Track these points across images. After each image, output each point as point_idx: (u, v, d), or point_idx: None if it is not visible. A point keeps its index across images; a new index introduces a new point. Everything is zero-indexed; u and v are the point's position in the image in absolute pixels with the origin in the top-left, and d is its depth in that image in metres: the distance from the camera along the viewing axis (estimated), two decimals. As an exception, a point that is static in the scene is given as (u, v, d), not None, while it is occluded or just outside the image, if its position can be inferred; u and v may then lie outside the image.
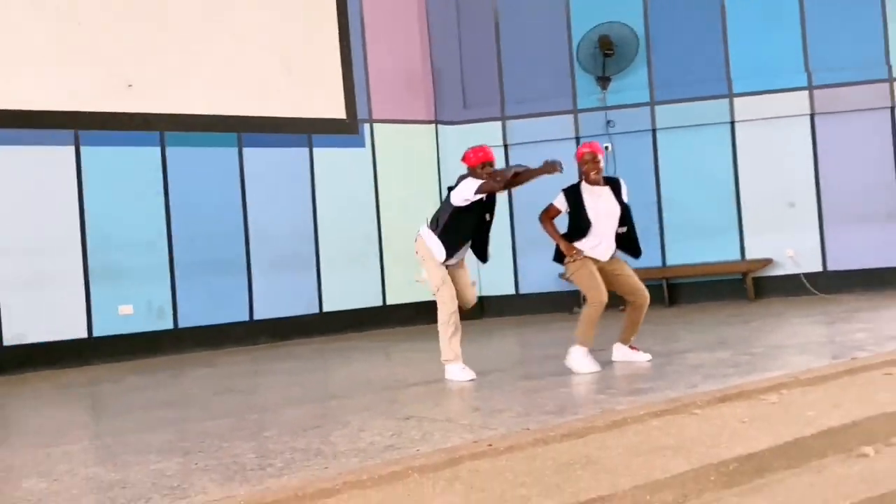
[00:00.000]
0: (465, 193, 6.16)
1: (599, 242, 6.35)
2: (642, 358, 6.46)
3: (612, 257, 6.43)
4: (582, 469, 3.79)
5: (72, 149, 9.39)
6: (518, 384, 5.88)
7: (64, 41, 9.37)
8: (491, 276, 11.85)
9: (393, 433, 4.47)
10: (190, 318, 9.89)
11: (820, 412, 4.63)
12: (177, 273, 9.86)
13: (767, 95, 11.45)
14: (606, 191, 6.46)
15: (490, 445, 4.03)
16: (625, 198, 6.49)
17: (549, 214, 6.48)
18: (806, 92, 11.38)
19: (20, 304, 8.91)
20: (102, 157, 9.52)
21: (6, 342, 8.86)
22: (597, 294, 6.20)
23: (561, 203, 6.45)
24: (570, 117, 11.84)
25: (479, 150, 6.37)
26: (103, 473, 4.09)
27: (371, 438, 4.39)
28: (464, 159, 6.41)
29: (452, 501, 3.45)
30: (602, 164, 6.49)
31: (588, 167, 6.43)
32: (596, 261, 6.33)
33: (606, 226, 6.35)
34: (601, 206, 6.39)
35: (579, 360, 6.16)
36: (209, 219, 10.07)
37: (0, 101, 8.93)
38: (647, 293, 6.43)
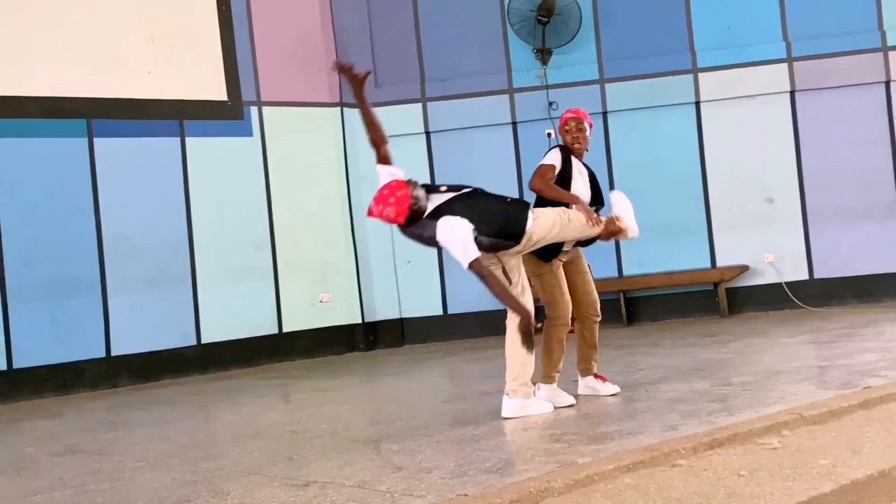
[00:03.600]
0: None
1: None
2: (610, 390, 6.21)
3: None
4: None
5: None
6: (449, 433, 5.50)
7: None
8: (414, 297, 11.54)
9: (281, 510, 4.01)
10: (27, 356, 9.37)
11: (837, 460, 4.32)
12: (9, 299, 9.35)
13: (738, 70, 11.37)
14: (585, 172, 6.26)
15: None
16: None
17: (546, 177, 6.03)
18: (784, 65, 11.30)
19: None
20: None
21: None
22: (565, 308, 5.97)
23: (556, 159, 6.08)
24: (506, 98, 11.63)
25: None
26: None
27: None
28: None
29: None
30: (588, 136, 6.33)
31: (572, 137, 6.24)
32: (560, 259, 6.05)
33: None
34: (580, 186, 6.13)
35: (544, 401, 5.86)
36: (51, 228, 9.61)
37: None
38: (599, 305, 6.25)
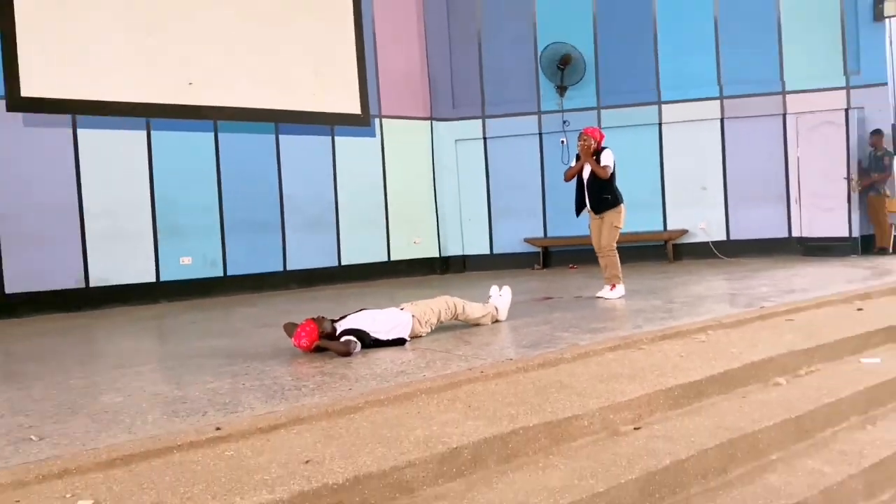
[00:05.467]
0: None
1: None
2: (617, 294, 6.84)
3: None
4: (557, 392, 3.57)
5: (144, 133, 9.02)
6: (498, 324, 5.57)
7: (142, 47, 8.98)
8: (472, 241, 11.68)
9: (402, 361, 4.23)
10: (236, 267, 9.60)
11: (742, 349, 4.45)
12: (226, 232, 9.55)
13: (687, 103, 11.16)
14: (589, 169, 6.77)
15: (482, 372, 3.81)
16: None
17: (568, 171, 6.90)
18: (718, 101, 11.11)
19: (104, 254, 8.62)
20: (168, 140, 9.17)
21: (92, 283, 8.56)
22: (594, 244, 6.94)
23: (575, 160, 6.94)
24: (535, 117, 11.53)
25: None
26: (167, 391, 3.83)
27: (385, 366, 4.15)
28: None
29: (454, 417, 3.22)
30: (582, 144, 6.78)
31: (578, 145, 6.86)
32: None
33: None
34: (585, 175, 6.84)
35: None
36: (252, 190, 9.75)
37: (93, 93, 8.61)
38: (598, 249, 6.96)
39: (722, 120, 11.14)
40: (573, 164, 6.90)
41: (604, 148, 6.67)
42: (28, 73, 8.31)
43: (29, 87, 8.32)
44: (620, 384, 3.69)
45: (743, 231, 11.07)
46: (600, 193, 6.64)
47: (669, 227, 11.28)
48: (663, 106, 11.26)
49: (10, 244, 8.12)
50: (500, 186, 11.62)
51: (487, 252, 11.66)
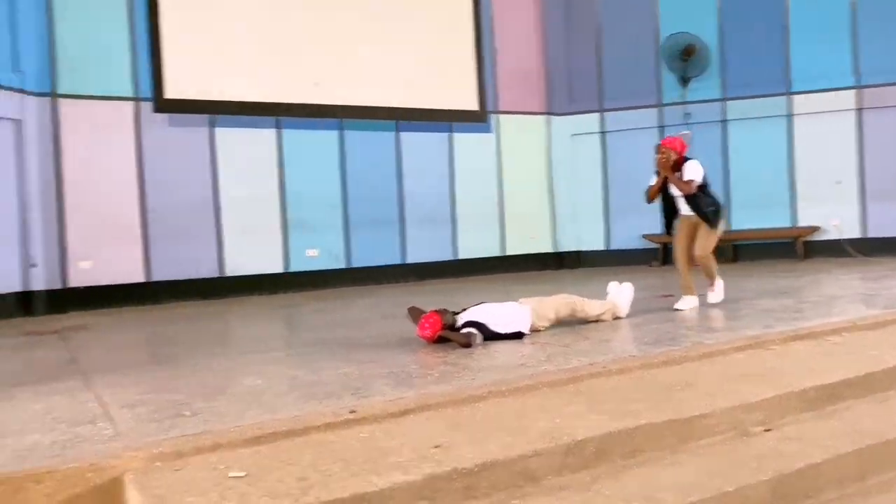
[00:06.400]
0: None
1: None
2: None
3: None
4: (682, 391, 3.52)
5: (275, 132, 9.51)
6: (619, 321, 5.48)
7: (273, 49, 9.47)
8: (586, 237, 11.56)
9: (522, 355, 4.29)
10: (358, 260, 9.96)
11: (882, 352, 4.21)
12: (350, 226, 9.91)
13: (820, 93, 10.59)
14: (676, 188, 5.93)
15: (604, 367, 3.80)
16: None
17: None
18: (854, 91, 10.47)
19: (237, 246, 9.17)
20: (296, 138, 9.62)
21: (226, 273, 9.13)
22: (674, 250, 6.12)
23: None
24: (656, 110, 11.27)
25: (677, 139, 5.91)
26: (303, 375, 4.05)
27: (505, 358, 4.22)
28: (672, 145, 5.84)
29: (578, 410, 3.24)
30: (659, 158, 5.86)
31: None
32: None
33: None
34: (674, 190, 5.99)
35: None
36: (374, 185, 10.08)
37: (228, 94, 9.19)
38: (698, 254, 5.97)
39: (859, 111, 10.49)
40: (653, 181, 5.90)
41: (686, 159, 5.79)
42: (172, 77, 8.95)
43: (172, 90, 8.96)
44: (749, 385, 3.59)
45: (881, 228, 10.40)
46: (702, 209, 5.79)
47: (800, 224, 10.75)
48: (794, 97, 10.73)
49: (156, 235, 8.79)
50: (617, 181, 11.43)
51: (602, 248, 11.52)
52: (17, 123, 8.09)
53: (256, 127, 9.36)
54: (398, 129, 10.31)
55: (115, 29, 8.70)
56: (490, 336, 4.71)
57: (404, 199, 10.32)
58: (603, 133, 11.48)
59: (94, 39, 8.55)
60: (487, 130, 11.06)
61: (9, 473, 2.55)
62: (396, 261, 10.25)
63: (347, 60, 9.96)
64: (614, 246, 11.48)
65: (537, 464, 2.77)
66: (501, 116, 11.15)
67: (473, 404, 3.31)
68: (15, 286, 8.01)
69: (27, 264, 8.12)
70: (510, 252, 11.13)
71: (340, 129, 9.92)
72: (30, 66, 8.23)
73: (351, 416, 3.08)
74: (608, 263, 11.17)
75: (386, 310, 7.00)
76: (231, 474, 2.58)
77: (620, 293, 5.59)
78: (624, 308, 5.53)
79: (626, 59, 11.43)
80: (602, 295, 5.64)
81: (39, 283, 8.18)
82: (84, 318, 7.58)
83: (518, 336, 4.80)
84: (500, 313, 4.88)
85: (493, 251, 11.01)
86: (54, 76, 8.40)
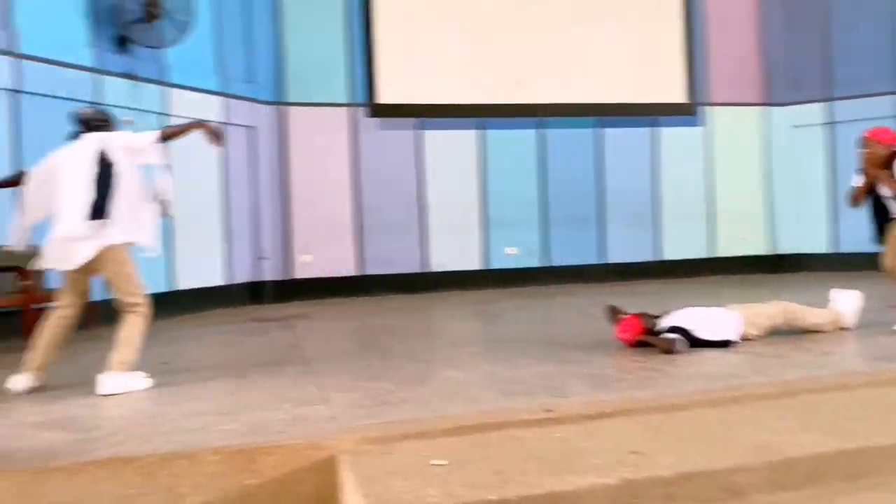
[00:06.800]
0: None
1: None
2: None
3: None
4: (918, 413, 3.18)
5: (477, 132, 9.81)
6: (843, 332, 5.03)
7: (476, 51, 9.76)
8: (807, 236, 10.68)
9: (731, 364, 4.09)
10: (557, 258, 9.98)
11: None
12: (549, 224, 9.96)
13: None
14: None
15: (824, 382, 3.53)
16: None
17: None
18: None
19: (440, 243, 9.59)
20: (497, 138, 9.85)
21: (433, 269, 9.58)
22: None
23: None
24: (892, 97, 10.11)
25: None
26: (501, 371, 4.17)
27: (712, 367, 4.05)
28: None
29: (789, 427, 3.04)
30: (861, 152, 5.01)
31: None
32: None
33: None
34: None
35: None
36: (574, 183, 10.05)
37: (435, 97, 9.61)
38: None
39: None
40: (857, 181, 5.08)
41: None
42: (384, 82, 9.53)
43: (384, 95, 9.54)
44: None
45: None
46: None
47: None
48: None
49: (369, 232, 9.44)
50: (846, 176, 10.37)
51: (828, 251, 10.57)
52: (252, 130, 9.03)
53: (460, 128, 9.71)
54: (600, 126, 10.18)
55: (334, 41, 9.44)
56: (695, 343, 4.54)
57: (605, 197, 10.17)
58: (830, 124, 10.52)
59: (317, 51, 9.34)
60: (697, 124, 10.58)
61: (243, 444, 2.89)
62: (596, 260, 10.13)
63: (549, 57, 9.99)
64: (843, 249, 10.48)
65: (742, 479, 2.65)
66: (712, 108, 10.62)
67: (674, 412, 3.22)
68: (247, 277, 8.95)
69: (258, 258, 9.06)
70: (720, 253, 10.57)
71: (540, 127, 9.99)
72: (263, 78, 9.16)
73: (547, 416, 3.13)
74: (833, 268, 10.20)
75: (584, 309, 6.95)
76: (433, 462, 2.73)
77: (846, 302, 5.12)
78: (850, 319, 5.06)
79: (857, 43, 10.38)
80: (823, 303, 5.21)
81: (268, 274, 9.09)
82: (305, 308, 8.30)
83: (726, 344, 4.58)
84: (707, 319, 4.69)
85: (701, 252, 10.52)
86: (283, 86, 9.28)
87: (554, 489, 2.45)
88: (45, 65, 6.72)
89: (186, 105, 7.93)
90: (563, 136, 10.05)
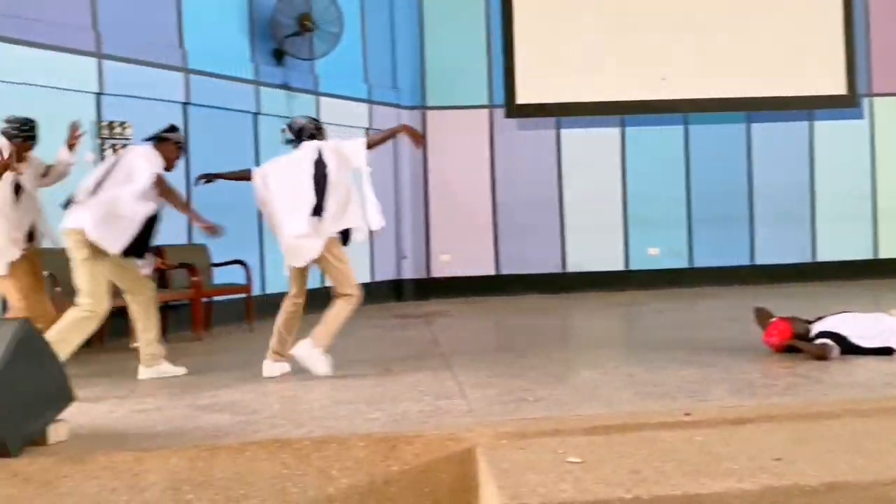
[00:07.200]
0: None
1: None
2: None
3: None
4: None
5: (618, 130, 9.71)
6: None
7: (616, 48, 9.64)
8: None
9: (890, 373, 3.87)
10: (702, 259, 9.67)
11: None
12: (693, 223, 9.68)
13: None
14: None
15: None
16: None
17: None
18: None
19: (579, 243, 9.56)
20: (640, 136, 9.69)
21: (568, 269, 9.57)
22: None
23: None
24: None
25: None
26: (639, 373, 4.15)
27: (867, 375, 3.85)
28: None
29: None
30: None
31: None
32: None
33: None
34: None
35: None
36: (720, 180, 9.68)
37: (573, 96, 9.56)
38: None
39: None
40: None
41: None
42: (522, 83, 9.62)
43: (522, 96, 9.63)
44: None
45: None
46: None
47: None
48: None
49: (504, 230, 9.58)
50: None
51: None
52: (394, 134, 9.41)
53: (600, 126, 9.63)
54: (749, 121, 9.75)
55: (473, 44, 9.64)
56: (850, 350, 4.31)
57: (754, 195, 9.72)
58: None
59: (456, 55, 9.57)
60: (858, 117, 9.89)
61: (387, 433, 3.09)
62: (744, 261, 9.70)
63: (695, 51, 9.68)
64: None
65: (896, 494, 2.53)
66: (877, 100, 9.88)
67: (822, 420, 3.11)
68: (389, 275, 9.34)
69: (399, 256, 9.43)
70: (883, 255, 9.82)
71: (685, 123, 9.72)
72: (404, 83, 9.53)
73: (685, 419, 3.11)
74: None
75: (730, 313, 6.72)
76: (569, 459, 2.79)
77: None
78: None
79: None
80: None
81: (408, 272, 9.45)
82: (443, 305, 8.55)
83: (888, 352, 4.31)
84: (866, 325, 4.43)
85: (862, 254, 9.82)
86: (423, 90, 9.60)
87: (689, 491, 2.45)
88: (211, 79, 7.34)
89: (335, 113, 8.43)
90: (708, 132, 9.71)
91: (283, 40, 7.93)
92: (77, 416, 3.30)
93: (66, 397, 3.15)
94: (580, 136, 9.61)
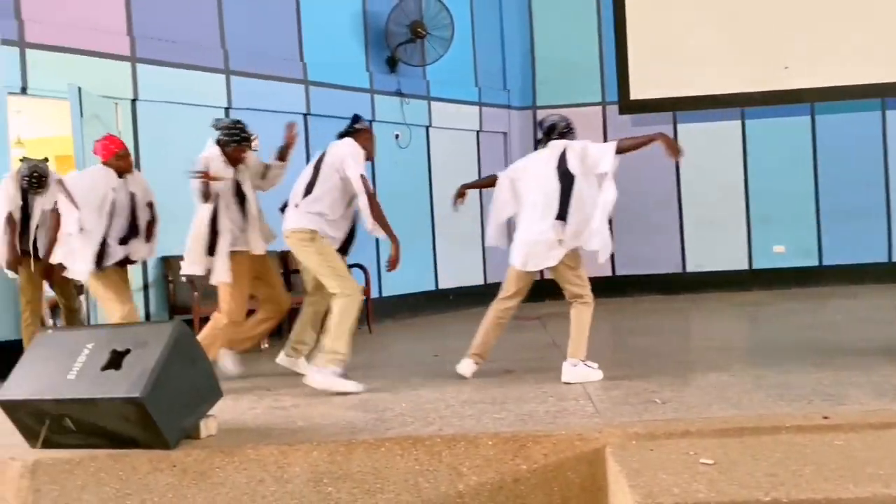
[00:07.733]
0: None
1: None
2: None
3: None
4: None
5: (738, 122, 9.42)
6: None
7: (734, 38, 9.35)
8: None
9: None
10: (832, 257, 9.20)
11: None
12: (822, 218, 9.25)
13: None
14: None
15: None
16: None
17: None
18: None
19: (699, 242, 9.33)
20: (762, 128, 9.36)
21: (688, 269, 9.36)
22: None
23: None
24: None
25: None
26: (769, 375, 4.07)
27: None
28: None
29: None
30: None
31: None
32: None
33: None
34: None
35: None
36: (851, 172, 9.14)
37: (690, 89, 9.35)
38: None
39: None
40: None
41: None
42: (635, 77, 9.49)
43: (636, 91, 9.50)
44: None
45: None
46: None
47: None
48: None
49: (620, 230, 9.40)
50: None
51: None
52: (504, 136, 9.51)
53: (719, 119, 9.36)
54: (885, 108, 9.21)
55: (584, 41, 9.58)
56: None
57: (890, 187, 9.17)
58: None
59: (567, 53, 9.55)
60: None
61: (515, 432, 3.18)
62: (881, 258, 9.14)
63: (820, 37, 9.22)
64: None
65: None
66: None
67: (978, 426, 2.96)
68: (502, 277, 9.37)
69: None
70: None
71: (811, 113, 9.30)
72: (514, 84, 9.60)
73: (823, 423, 3.04)
74: None
75: (865, 313, 6.45)
76: (701, 461, 2.80)
77: None
78: None
79: None
80: None
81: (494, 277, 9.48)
82: (556, 307, 8.51)
83: None
84: None
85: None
86: (534, 90, 9.64)
87: (831, 495, 2.41)
88: (329, 89, 7.68)
89: (446, 117, 8.62)
90: (838, 122, 9.23)
91: (397, 48, 8.19)
92: (223, 411, 3.57)
93: (215, 393, 3.42)
94: (699, 131, 9.36)
